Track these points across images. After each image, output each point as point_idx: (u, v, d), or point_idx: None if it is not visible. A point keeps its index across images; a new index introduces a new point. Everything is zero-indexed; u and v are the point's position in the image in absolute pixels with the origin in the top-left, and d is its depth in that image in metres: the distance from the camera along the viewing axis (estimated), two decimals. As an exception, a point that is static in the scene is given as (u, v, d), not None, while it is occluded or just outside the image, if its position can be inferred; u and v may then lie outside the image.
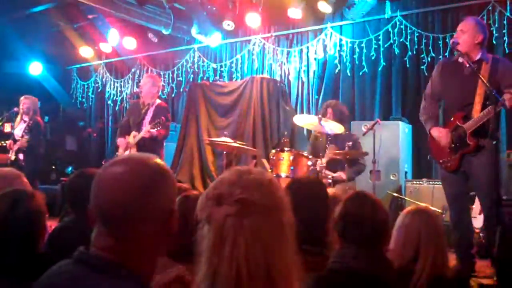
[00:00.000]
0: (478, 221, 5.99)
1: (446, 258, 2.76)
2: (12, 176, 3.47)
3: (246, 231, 1.45)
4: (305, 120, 7.11)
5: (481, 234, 5.98)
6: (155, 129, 6.69)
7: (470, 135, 4.62)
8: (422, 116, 5.10)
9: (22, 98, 8.23)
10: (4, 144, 8.35)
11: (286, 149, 6.34)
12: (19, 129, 8.12)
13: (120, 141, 7.19)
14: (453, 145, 4.77)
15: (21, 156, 7.93)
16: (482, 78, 4.45)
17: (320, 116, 6.37)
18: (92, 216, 1.58)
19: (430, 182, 7.15)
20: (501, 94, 4.44)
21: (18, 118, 8.26)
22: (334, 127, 6.38)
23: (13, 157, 7.91)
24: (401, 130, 7.65)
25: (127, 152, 6.97)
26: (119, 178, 1.53)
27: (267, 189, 1.55)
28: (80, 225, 3.27)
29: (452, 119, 4.81)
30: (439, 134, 4.86)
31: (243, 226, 1.45)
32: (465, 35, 4.70)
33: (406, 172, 7.74)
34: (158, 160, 1.67)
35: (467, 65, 4.65)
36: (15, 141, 8.05)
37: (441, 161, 4.89)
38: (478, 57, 4.70)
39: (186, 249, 2.05)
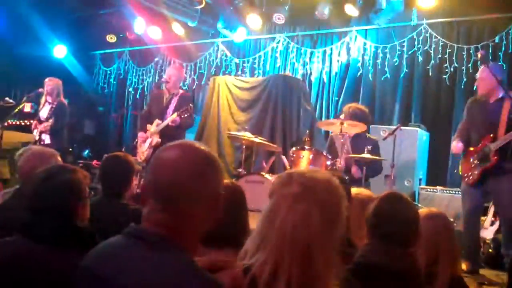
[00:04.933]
0: (488, 232, 6.04)
1: (460, 260, 2.90)
2: (48, 155, 3.62)
3: (296, 215, 1.62)
4: (326, 123, 7.26)
5: (491, 245, 6.03)
6: (182, 116, 6.79)
7: (494, 152, 5.10)
8: (453, 140, 5.67)
9: (46, 80, 8.25)
10: (28, 124, 8.42)
11: (306, 147, 6.41)
12: (45, 111, 8.12)
13: (141, 134, 7.22)
14: (477, 162, 5.27)
15: (43, 136, 7.98)
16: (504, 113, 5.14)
17: (340, 118, 6.46)
18: (144, 194, 1.70)
19: (444, 191, 7.19)
20: None
21: (43, 100, 8.26)
22: (354, 128, 6.45)
23: (37, 137, 7.96)
24: (419, 137, 7.69)
25: (148, 141, 7.06)
26: (176, 161, 1.67)
27: (333, 189, 1.72)
28: (108, 203, 3.42)
29: (481, 141, 5.28)
30: (455, 144, 5.49)
31: (296, 210, 1.63)
32: (483, 82, 5.33)
33: (420, 179, 7.77)
34: (206, 147, 1.80)
35: (491, 101, 5.30)
36: (40, 121, 8.08)
37: (465, 175, 5.41)
38: (500, 95, 5.27)
39: (212, 236, 2.13)
